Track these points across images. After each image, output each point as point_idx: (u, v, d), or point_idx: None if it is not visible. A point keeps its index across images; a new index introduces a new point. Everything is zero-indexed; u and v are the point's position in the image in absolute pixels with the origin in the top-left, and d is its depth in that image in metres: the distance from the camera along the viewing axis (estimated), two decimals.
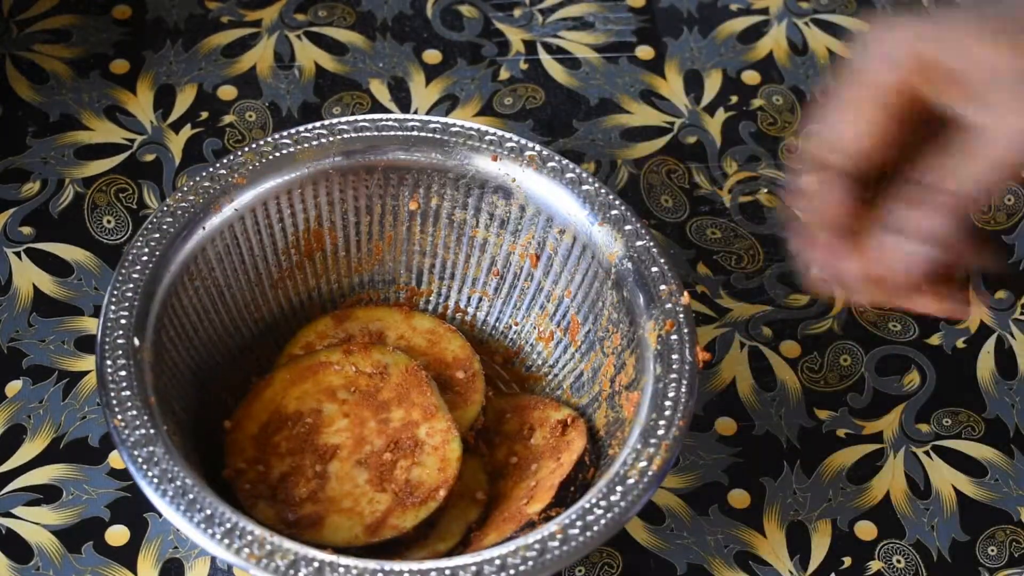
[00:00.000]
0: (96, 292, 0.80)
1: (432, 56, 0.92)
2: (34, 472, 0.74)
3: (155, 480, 0.62)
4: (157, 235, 0.70)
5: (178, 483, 0.62)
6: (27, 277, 0.80)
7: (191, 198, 0.71)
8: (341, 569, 0.60)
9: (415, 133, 0.74)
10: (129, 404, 0.64)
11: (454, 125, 0.74)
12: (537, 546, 0.61)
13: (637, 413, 0.65)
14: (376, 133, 0.74)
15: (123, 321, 0.67)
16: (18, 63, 0.89)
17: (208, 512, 0.61)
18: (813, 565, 0.73)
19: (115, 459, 0.74)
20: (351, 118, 0.74)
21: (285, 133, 0.74)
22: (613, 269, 0.70)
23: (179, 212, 0.71)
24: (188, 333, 0.71)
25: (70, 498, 0.73)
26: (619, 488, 0.62)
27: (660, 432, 0.64)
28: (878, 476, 0.76)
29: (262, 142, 0.73)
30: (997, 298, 0.83)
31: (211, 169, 0.72)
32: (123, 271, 0.69)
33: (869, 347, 0.81)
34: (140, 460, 0.62)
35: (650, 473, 0.63)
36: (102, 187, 0.84)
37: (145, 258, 0.69)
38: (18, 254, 0.81)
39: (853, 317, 0.82)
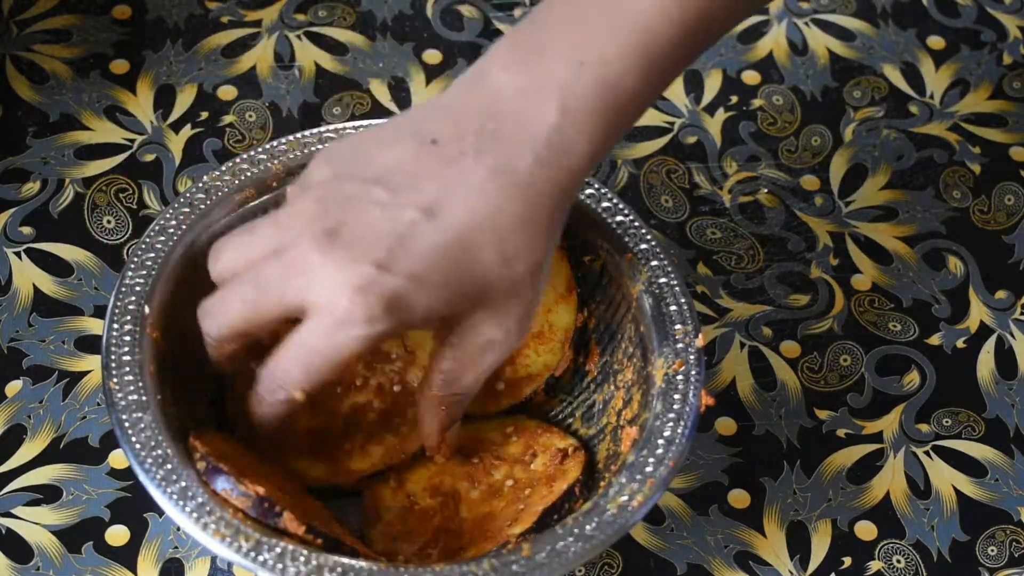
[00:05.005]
0: (96, 292, 0.80)
1: (432, 56, 0.92)
2: (34, 472, 0.74)
3: (138, 446, 0.62)
4: (187, 209, 0.70)
5: (159, 452, 0.62)
6: (27, 277, 0.80)
7: (227, 178, 0.71)
8: (302, 557, 0.60)
9: None
10: (127, 369, 0.64)
11: None
12: (499, 565, 0.61)
13: (631, 448, 0.65)
14: None
15: (137, 288, 0.67)
16: (18, 63, 0.89)
17: (183, 484, 0.61)
18: (813, 565, 0.73)
19: (115, 459, 0.74)
20: None
21: (331, 128, 0.73)
22: (634, 302, 0.70)
23: (212, 190, 0.70)
24: None
25: (70, 498, 0.73)
26: (595, 519, 0.62)
27: (648, 469, 0.64)
28: (878, 476, 0.76)
29: (308, 133, 0.73)
30: (997, 298, 0.83)
31: (251, 153, 0.72)
32: (147, 240, 0.68)
33: (869, 347, 0.81)
34: (127, 425, 0.63)
35: (629, 508, 0.62)
36: (102, 187, 0.84)
37: (171, 230, 0.69)
38: (18, 254, 0.81)
39: (853, 317, 0.82)
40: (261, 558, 0.60)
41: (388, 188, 0.59)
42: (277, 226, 0.61)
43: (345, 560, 0.60)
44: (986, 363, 0.81)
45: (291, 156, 0.72)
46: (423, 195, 0.59)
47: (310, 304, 0.59)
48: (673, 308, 0.69)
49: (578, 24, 0.61)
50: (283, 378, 0.60)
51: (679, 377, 0.67)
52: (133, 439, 0.62)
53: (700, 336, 0.68)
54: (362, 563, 0.60)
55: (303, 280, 0.58)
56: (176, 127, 0.87)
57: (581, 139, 0.60)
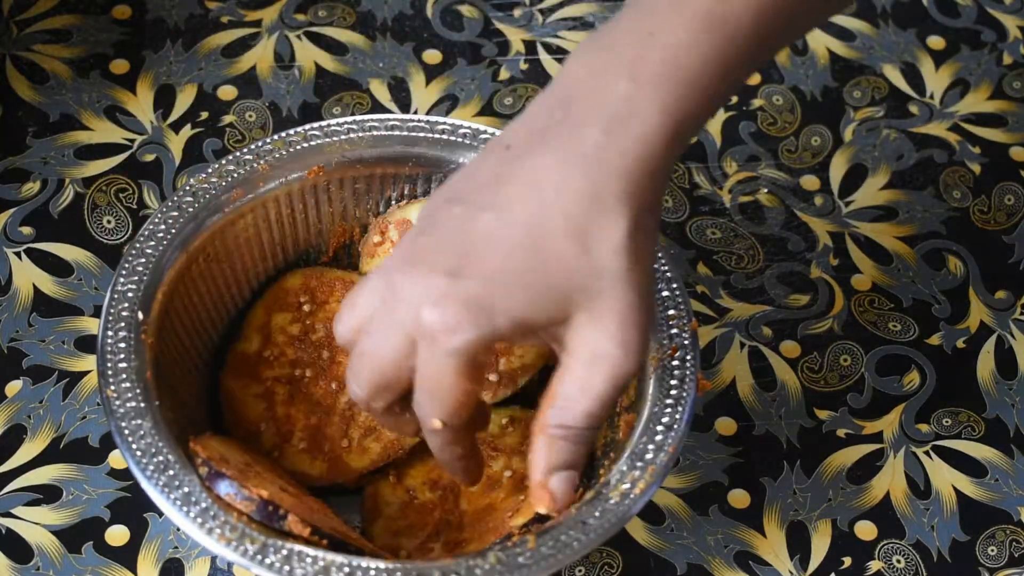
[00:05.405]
0: (96, 292, 0.80)
1: (432, 56, 0.92)
2: (34, 472, 0.74)
3: (138, 453, 0.62)
4: (175, 213, 0.70)
5: (161, 458, 0.62)
6: (27, 277, 0.80)
7: (214, 180, 0.71)
8: (309, 558, 0.60)
9: (445, 136, 0.73)
10: (124, 376, 0.64)
11: (484, 132, 0.73)
12: (505, 558, 0.61)
13: (630, 435, 0.65)
14: (406, 133, 0.73)
15: (130, 294, 0.67)
16: (18, 63, 0.89)
17: (186, 490, 0.61)
18: (813, 565, 0.73)
19: (115, 459, 0.74)
20: (381, 116, 0.74)
21: (316, 125, 0.73)
22: None
23: (200, 192, 0.71)
24: (200, 315, 0.71)
25: (70, 498, 0.73)
26: (599, 508, 0.62)
27: (648, 456, 0.64)
28: (878, 476, 0.76)
29: (292, 132, 0.73)
30: (997, 298, 0.83)
31: (237, 154, 0.72)
32: (137, 245, 0.69)
33: (869, 347, 0.81)
34: (127, 432, 0.63)
35: (631, 496, 0.62)
36: (102, 187, 0.84)
37: (160, 234, 0.69)
38: (18, 254, 0.81)
39: (853, 317, 0.82)
40: (268, 561, 0.60)
41: (464, 202, 0.58)
42: (380, 271, 0.60)
43: (353, 560, 0.60)
44: (986, 363, 0.81)
45: (277, 156, 0.72)
46: (494, 197, 0.58)
47: (406, 333, 0.58)
48: (666, 294, 0.69)
49: (648, 10, 0.59)
50: (421, 413, 0.60)
51: (675, 362, 0.67)
52: (134, 446, 0.62)
53: (694, 320, 0.68)
54: (369, 562, 0.60)
55: (393, 307, 0.58)
56: (176, 127, 0.87)
57: (653, 107, 0.57)
